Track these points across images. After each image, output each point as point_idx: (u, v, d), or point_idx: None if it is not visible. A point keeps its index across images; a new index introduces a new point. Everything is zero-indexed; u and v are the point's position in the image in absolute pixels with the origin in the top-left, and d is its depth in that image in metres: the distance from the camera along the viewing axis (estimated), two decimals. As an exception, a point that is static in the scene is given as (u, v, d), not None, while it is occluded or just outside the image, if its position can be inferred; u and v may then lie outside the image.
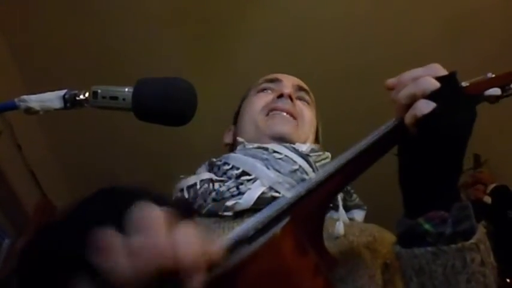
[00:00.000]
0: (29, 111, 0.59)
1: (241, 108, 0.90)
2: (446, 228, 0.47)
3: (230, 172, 0.73)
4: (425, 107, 0.49)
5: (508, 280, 1.64)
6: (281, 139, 0.77)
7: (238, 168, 0.73)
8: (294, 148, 0.76)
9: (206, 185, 0.71)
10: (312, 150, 0.78)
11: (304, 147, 0.77)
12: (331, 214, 0.69)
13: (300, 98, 0.87)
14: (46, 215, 2.24)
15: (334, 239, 0.63)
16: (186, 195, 0.72)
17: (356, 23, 1.94)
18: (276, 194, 0.68)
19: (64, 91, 0.60)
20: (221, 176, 0.74)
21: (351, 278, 0.59)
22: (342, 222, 0.66)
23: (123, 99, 0.59)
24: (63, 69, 2.00)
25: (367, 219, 0.77)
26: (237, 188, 0.70)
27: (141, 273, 0.30)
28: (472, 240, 0.47)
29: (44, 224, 0.40)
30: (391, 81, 0.54)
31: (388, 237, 0.66)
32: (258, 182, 0.70)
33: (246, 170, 0.72)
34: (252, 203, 0.67)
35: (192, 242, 0.32)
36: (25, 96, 0.59)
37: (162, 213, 0.32)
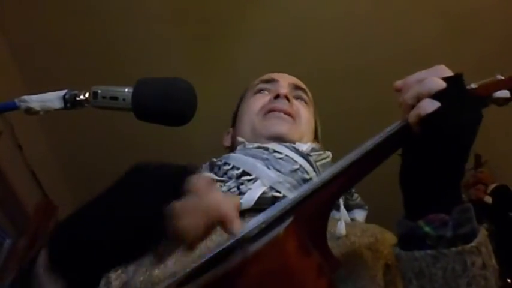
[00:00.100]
0: (29, 111, 0.59)
1: (238, 110, 0.90)
2: (447, 232, 0.47)
3: (231, 172, 0.73)
4: (430, 106, 0.49)
5: (508, 280, 1.64)
6: (279, 139, 0.77)
7: (238, 168, 0.73)
8: (295, 148, 0.76)
9: None
10: (313, 150, 0.78)
11: (304, 147, 0.77)
12: (333, 214, 0.69)
13: (297, 97, 0.86)
14: (47, 215, 2.24)
15: (335, 239, 0.63)
16: None
17: (356, 23, 1.94)
18: (277, 194, 0.68)
19: (64, 91, 0.60)
20: (222, 176, 0.74)
21: (352, 279, 0.59)
22: (344, 222, 0.66)
23: (123, 100, 0.59)
24: (63, 69, 2.00)
25: (368, 219, 0.77)
26: (238, 188, 0.70)
27: (203, 227, 0.39)
28: (472, 244, 0.46)
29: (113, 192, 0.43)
30: (398, 83, 0.54)
31: (390, 238, 0.66)
32: (258, 182, 0.70)
33: (247, 170, 0.72)
34: (252, 203, 0.67)
35: (228, 199, 0.41)
36: (25, 97, 0.59)
37: (208, 179, 0.41)
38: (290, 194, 0.68)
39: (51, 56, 2.03)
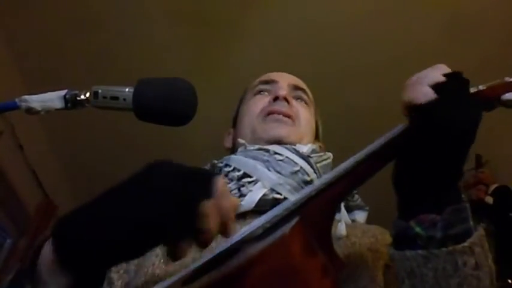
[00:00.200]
0: (30, 111, 0.59)
1: (239, 112, 0.90)
2: (437, 232, 0.47)
3: (231, 174, 0.73)
4: (424, 95, 0.48)
5: (509, 281, 1.63)
6: (278, 142, 0.77)
7: (239, 170, 0.73)
8: (295, 149, 0.76)
9: None
10: (313, 151, 0.78)
11: (305, 148, 0.77)
12: (333, 215, 0.69)
13: (297, 98, 0.86)
14: (47, 215, 2.25)
15: (336, 240, 0.63)
16: None
17: (356, 23, 1.94)
18: (278, 196, 0.68)
19: (65, 91, 0.60)
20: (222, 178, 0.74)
21: (353, 279, 0.59)
22: (344, 223, 0.66)
23: (124, 100, 0.59)
24: (63, 69, 2.00)
25: (369, 220, 0.77)
26: (239, 190, 0.70)
27: (221, 225, 0.40)
28: (465, 244, 0.46)
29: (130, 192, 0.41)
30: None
31: (390, 239, 0.65)
32: (259, 183, 0.70)
33: (247, 171, 0.72)
34: (253, 205, 0.67)
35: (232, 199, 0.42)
36: (26, 97, 0.59)
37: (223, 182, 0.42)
38: (291, 196, 0.68)
39: (51, 56, 2.03)
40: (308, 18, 1.94)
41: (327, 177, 0.50)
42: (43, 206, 2.28)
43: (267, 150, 0.75)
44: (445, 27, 1.92)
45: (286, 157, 0.73)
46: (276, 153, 0.74)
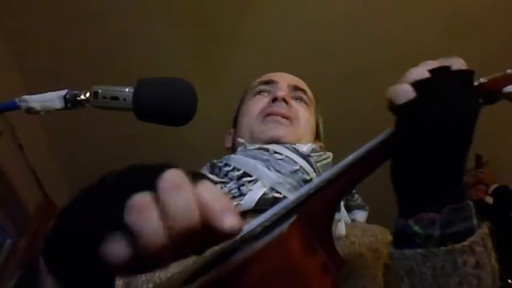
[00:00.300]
0: (30, 111, 0.59)
1: (239, 112, 0.90)
2: (435, 231, 0.46)
3: (231, 173, 0.73)
4: (403, 95, 0.46)
5: (509, 281, 1.63)
6: (276, 143, 0.77)
7: (239, 170, 0.73)
8: (295, 148, 0.76)
9: None
10: (313, 151, 0.78)
11: (305, 148, 0.77)
12: (333, 214, 0.69)
13: (296, 98, 0.86)
14: (47, 215, 2.24)
15: (336, 239, 0.63)
16: None
17: (356, 24, 1.94)
18: (277, 195, 0.68)
19: (65, 91, 0.60)
20: (222, 178, 0.74)
21: (353, 279, 0.59)
22: (344, 223, 0.66)
23: (124, 100, 0.59)
24: (63, 69, 2.00)
25: (369, 220, 0.77)
26: (239, 189, 0.70)
27: (176, 232, 0.30)
28: (464, 243, 0.45)
29: (81, 192, 0.38)
30: None
31: (390, 238, 0.65)
32: (259, 183, 0.70)
33: (247, 171, 0.72)
34: (253, 204, 0.67)
35: (215, 195, 0.33)
36: (26, 96, 0.59)
37: (185, 172, 0.33)
38: (290, 195, 0.68)
39: (51, 56, 2.03)
40: (308, 18, 1.94)
41: (326, 175, 0.50)
42: (43, 206, 2.28)
43: (267, 150, 0.75)
44: (445, 27, 1.92)
45: (286, 156, 0.74)
46: (275, 152, 0.74)
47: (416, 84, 0.46)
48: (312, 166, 0.74)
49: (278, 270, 0.35)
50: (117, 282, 0.60)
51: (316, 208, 0.47)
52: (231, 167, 0.74)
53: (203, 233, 0.32)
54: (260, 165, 0.72)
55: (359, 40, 1.98)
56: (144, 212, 0.30)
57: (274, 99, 0.83)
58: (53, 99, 0.59)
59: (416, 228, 0.47)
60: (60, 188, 2.48)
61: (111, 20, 1.95)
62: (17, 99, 0.59)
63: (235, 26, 1.97)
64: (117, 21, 1.95)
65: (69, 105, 0.59)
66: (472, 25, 1.90)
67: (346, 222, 0.68)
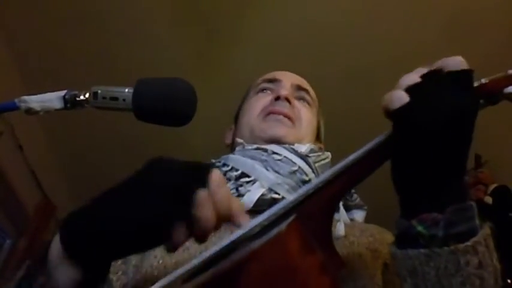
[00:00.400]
0: (29, 111, 0.59)
1: (241, 109, 0.90)
2: (438, 231, 0.46)
3: (229, 174, 0.73)
4: (397, 100, 0.47)
5: (509, 281, 1.63)
6: (276, 142, 0.77)
7: (237, 170, 0.73)
8: (293, 149, 0.76)
9: None
10: (312, 151, 0.78)
11: (303, 148, 0.77)
12: (332, 215, 0.69)
13: (299, 98, 0.86)
14: (47, 216, 2.24)
15: (335, 240, 0.63)
16: None
17: (356, 24, 1.94)
18: (276, 196, 0.68)
19: (64, 91, 0.60)
20: (221, 177, 0.74)
21: (352, 279, 0.59)
22: (343, 223, 0.66)
23: (123, 100, 0.59)
24: (63, 69, 2.00)
25: (367, 220, 0.77)
26: (237, 189, 0.70)
27: (218, 218, 0.41)
28: (468, 243, 0.46)
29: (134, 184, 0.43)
30: None
31: (389, 238, 0.66)
32: (257, 183, 0.70)
33: (245, 171, 0.72)
34: (251, 205, 0.67)
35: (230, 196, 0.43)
36: (25, 97, 0.59)
37: (222, 175, 0.43)
38: (289, 196, 0.68)
39: (51, 56, 2.03)
40: (308, 18, 1.94)
41: (325, 175, 0.50)
42: (42, 206, 2.28)
43: (265, 150, 0.75)
44: (445, 27, 1.92)
45: (285, 157, 0.73)
46: (274, 152, 0.74)
47: (409, 90, 0.47)
48: (310, 167, 0.74)
49: (276, 269, 0.35)
50: (114, 284, 0.60)
51: (315, 208, 0.47)
52: (229, 167, 0.74)
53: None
54: (258, 166, 0.72)
55: (359, 40, 1.98)
56: (205, 205, 0.40)
57: (277, 98, 0.82)
58: (52, 99, 0.59)
59: (420, 228, 0.47)
60: (60, 189, 2.47)
61: (111, 20, 1.95)
62: (16, 100, 0.59)
63: (235, 26, 1.97)
64: (117, 21, 1.95)
65: (68, 105, 0.59)
66: (472, 25, 1.90)
67: (346, 223, 0.68)
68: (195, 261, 0.45)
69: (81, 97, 0.59)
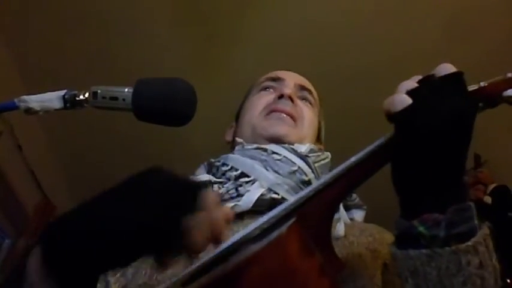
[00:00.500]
0: (29, 111, 0.59)
1: (242, 107, 0.90)
2: (440, 231, 0.47)
3: (229, 173, 0.73)
4: (400, 102, 0.48)
5: (508, 280, 1.63)
6: (277, 141, 0.77)
7: (237, 170, 0.73)
8: (293, 149, 0.75)
9: None
10: (311, 151, 0.78)
11: (303, 148, 0.77)
12: (332, 214, 0.69)
13: (302, 98, 0.86)
14: (46, 216, 2.24)
15: (335, 240, 0.63)
16: None
17: (356, 24, 1.94)
18: (275, 196, 0.68)
19: (64, 91, 0.60)
20: (220, 177, 0.74)
21: (352, 279, 0.59)
22: (343, 224, 0.66)
23: (123, 100, 0.59)
24: (63, 69, 2.00)
25: (367, 220, 0.77)
26: (236, 189, 0.70)
27: (210, 239, 0.40)
28: (469, 243, 0.46)
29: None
30: None
31: (388, 238, 0.66)
32: (257, 183, 0.70)
33: (245, 171, 0.72)
34: (251, 205, 0.67)
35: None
36: (25, 97, 0.59)
37: (217, 196, 0.43)
38: (288, 196, 0.68)
39: (51, 56, 2.03)
40: (308, 18, 1.94)
41: (326, 178, 0.50)
42: (42, 206, 2.27)
43: (265, 150, 0.75)
44: (445, 27, 1.92)
45: (284, 157, 0.73)
46: (273, 152, 0.74)
47: (410, 93, 0.48)
48: (310, 167, 0.74)
49: (276, 272, 0.35)
50: (112, 287, 0.60)
51: (315, 211, 0.47)
52: (229, 167, 0.74)
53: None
54: (258, 166, 0.72)
55: (359, 40, 1.98)
56: (196, 231, 0.39)
57: (280, 96, 0.82)
58: (52, 99, 0.59)
59: (421, 229, 0.48)
60: (59, 189, 2.47)
61: (111, 20, 1.95)
62: (16, 100, 0.59)
63: (235, 26, 1.97)
64: (117, 21, 1.95)
65: (68, 105, 0.59)
66: (472, 25, 1.90)
67: (345, 222, 0.68)
68: (196, 265, 0.45)
69: (81, 97, 0.59)
